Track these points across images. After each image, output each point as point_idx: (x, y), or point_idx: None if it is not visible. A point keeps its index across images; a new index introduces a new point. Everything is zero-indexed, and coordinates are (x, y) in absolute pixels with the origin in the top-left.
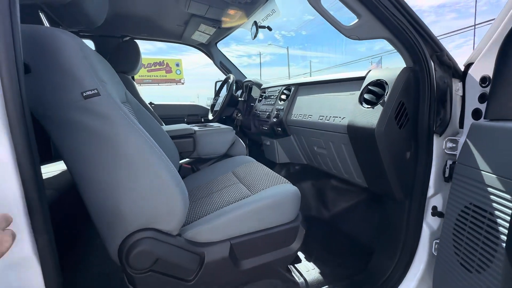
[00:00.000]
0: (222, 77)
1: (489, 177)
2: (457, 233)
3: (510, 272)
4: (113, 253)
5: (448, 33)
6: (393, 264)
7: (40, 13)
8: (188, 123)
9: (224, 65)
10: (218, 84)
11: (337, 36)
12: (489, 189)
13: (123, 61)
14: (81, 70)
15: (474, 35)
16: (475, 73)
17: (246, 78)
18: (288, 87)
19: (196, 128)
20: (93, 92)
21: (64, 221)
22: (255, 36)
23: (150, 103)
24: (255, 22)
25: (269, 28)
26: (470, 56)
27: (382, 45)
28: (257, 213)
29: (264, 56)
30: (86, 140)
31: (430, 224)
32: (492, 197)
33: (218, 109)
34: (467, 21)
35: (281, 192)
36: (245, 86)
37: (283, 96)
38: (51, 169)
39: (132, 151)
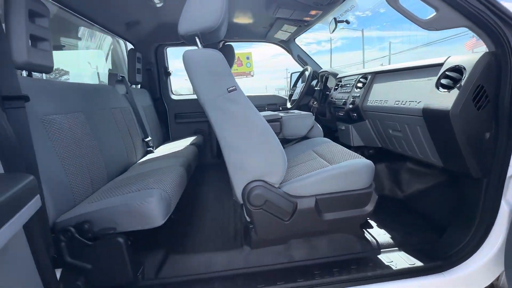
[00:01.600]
0: (289, 68)
1: None
2: None
3: None
4: (238, 194)
5: None
6: (466, 238)
7: (196, 38)
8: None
9: (301, 58)
10: (294, 76)
11: (422, 7)
12: None
13: None
14: (227, 74)
15: None
16: None
17: (322, 68)
18: (364, 75)
19: (282, 114)
20: (233, 88)
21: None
22: (333, 31)
23: None
24: (335, 19)
25: (347, 22)
26: None
27: None
28: (336, 178)
29: (335, 42)
30: (228, 117)
31: (509, 201)
32: None
33: (296, 98)
34: None
35: (356, 163)
36: (321, 76)
37: (359, 84)
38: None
39: (254, 125)
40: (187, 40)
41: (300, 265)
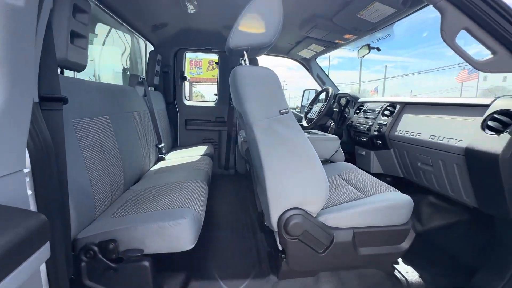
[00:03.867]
0: (286, 79)
1: None
2: None
3: None
4: (274, 220)
5: None
6: (501, 283)
7: (244, 52)
8: None
9: (320, 77)
10: (306, 93)
11: (416, 38)
12: None
13: None
14: (280, 95)
15: None
16: None
17: (339, 90)
18: (392, 104)
19: (307, 135)
20: (285, 110)
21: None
22: (364, 56)
23: None
24: (368, 45)
25: (378, 49)
26: None
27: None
28: (375, 212)
29: (332, 59)
30: (276, 140)
31: None
32: None
33: (314, 117)
34: None
35: (395, 198)
36: (339, 97)
37: (387, 112)
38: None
39: (302, 150)
40: (234, 53)
41: None
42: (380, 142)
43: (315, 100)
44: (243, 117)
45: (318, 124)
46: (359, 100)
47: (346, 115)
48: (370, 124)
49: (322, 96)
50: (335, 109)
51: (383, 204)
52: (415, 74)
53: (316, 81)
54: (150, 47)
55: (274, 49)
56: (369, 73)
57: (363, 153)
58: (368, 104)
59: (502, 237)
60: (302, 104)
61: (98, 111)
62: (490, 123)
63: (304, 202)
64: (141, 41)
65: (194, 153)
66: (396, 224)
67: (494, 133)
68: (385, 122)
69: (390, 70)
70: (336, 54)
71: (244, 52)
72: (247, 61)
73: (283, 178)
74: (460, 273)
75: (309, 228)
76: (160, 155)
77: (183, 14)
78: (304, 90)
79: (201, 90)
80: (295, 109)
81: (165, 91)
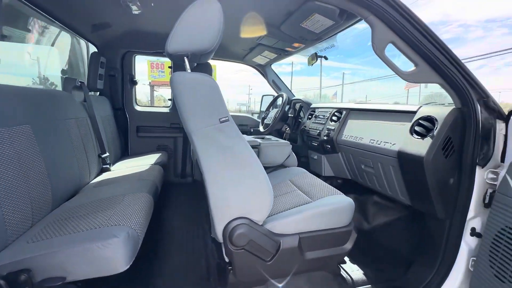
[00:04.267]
0: (251, 84)
1: None
2: (493, 250)
3: None
4: (219, 232)
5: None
6: (431, 274)
7: (185, 58)
8: None
9: (276, 83)
10: (265, 98)
11: (369, 50)
12: None
13: None
14: (220, 103)
15: None
16: None
17: (294, 96)
18: (339, 110)
19: (259, 141)
20: (225, 118)
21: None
22: (312, 64)
23: None
24: (316, 53)
25: (326, 58)
26: None
27: None
28: (320, 216)
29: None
30: (217, 149)
31: (468, 242)
32: None
33: (270, 122)
34: None
35: (338, 201)
36: (294, 103)
37: (334, 118)
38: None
39: (243, 159)
40: (174, 58)
41: None
42: (329, 146)
43: (271, 106)
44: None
45: (274, 130)
46: (311, 106)
47: (300, 120)
48: (320, 129)
49: (280, 101)
50: (289, 115)
51: (326, 208)
52: (369, 81)
53: (272, 87)
54: (94, 49)
55: (229, 55)
56: (329, 79)
57: (315, 157)
58: (319, 109)
59: (431, 232)
60: (261, 110)
61: (15, 119)
62: (416, 128)
63: (249, 211)
64: (83, 42)
65: (144, 162)
66: (339, 226)
67: (419, 137)
68: (333, 127)
69: (348, 76)
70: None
71: (185, 57)
72: (188, 67)
73: (225, 188)
74: (399, 267)
75: (255, 237)
76: (104, 166)
77: (128, 15)
78: (263, 96)
79: (164, 94)
80: (258, 114)
81: (112, 96)
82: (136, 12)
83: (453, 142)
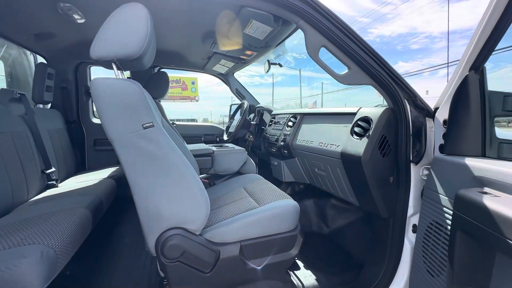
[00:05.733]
0: (234, 97)
1: (443, 199)
2: (425, 245)
3: (450, 275)
4: (151, 245)
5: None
6: (380, 273)
7: (113, 64)
8: (205, 142)
9: (239, 92)
10: (233, 107)
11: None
12: (444, 208)
13: (155, 88)
14: (143, 108)
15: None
16: (440, 116)
17: (259, 103)
18: (294, 115)
19: (214, 148)
20: (149, 124)
21: (102, 221)
22: (267, 71)
23: (172, 123)
24: (268, 61)
25: (280, 65)
26: (437, 101)
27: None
28: (262, 221)
29: (276, 77)
30: (142, 157)
31: (410, 239)
32: (445, 214)
33: (233, 131)
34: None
35: (283, 205)
36: (257, 111)
37: (290, 123)
38: (91, 178)
39: (173, 167)
40: (104, 65)
41: None
42: (286, 151)
43: (234, 114)
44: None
45: (237, 137)
46: (272, 113)
47: (263, 127)
48: (278, 135)
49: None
50: (252, 122)
51: (269, 213)
52: (348, 90)
53: (236, 95)
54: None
55: (189, 65)
56: (310, 89)
57: (276, 163)
58: (278, 116)
59: (379, 232)
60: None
61: None
62: (355, 129)
63: (183, 221)
64: (30, 53)
65: (96, 177)
66: (283, 231)
67: (358, 137)
68: (288, 133)
69: (327, 86)
70: (280, 72)
71: (112, 64)
72: (116, 73)
73: (155, 198)
74: (352, 269)
75: (190, 248)
76: (49, 182)
77: (72, 24)
78: (231, 105)
79: None
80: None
81: (65, 109)
82: (81, 21)
83: (389, 141)
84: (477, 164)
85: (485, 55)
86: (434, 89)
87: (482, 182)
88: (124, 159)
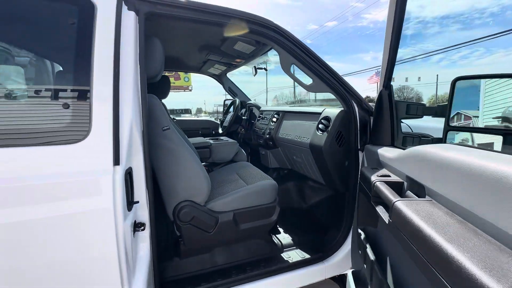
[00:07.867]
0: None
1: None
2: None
3: (356, 221)
4: (170, 212)
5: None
6: (337, 235)
7: None
8: (202, 135)
9: (232, 90)
10: (227, 102)
11: (344, 45)
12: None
13: (159, 91)
14: (162, 116)
15: None
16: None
17: (250, 100)
18: (278, 112)
19: (211, 142)
20: (167, 127)
21: None
22: (255, 75)
23: (173, 118)
24: (254, 67)
25: (265, 69)
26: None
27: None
28: (249, 196)
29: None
30: (163, 151)
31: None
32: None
33: (227, 125)
34: (472, 32)
35: (264, 184)
36: (248, 107)
37: (274, 119)
38: None
39: (184, 156)
40: None
41: (220, 268)
42: (271, 142)
43: (228, 110)
44: None
45: (231, 131)
46: (261, 109)
47: (253, 122)
48: (264, 129)
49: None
50: (243, 117)
51: (254, 189)
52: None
53: (229, 93)
54: None
55: (187, 67)
56: (303, 77)
57: (263, 152)
58: (265, 112)
59: (339, 204)
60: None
61: None
62: (320, 125)
63: (191, 195)
64: None
65: None
66: (265, 203)
67: (321, 132)
68: (273, 127)
69: None
70: (273, 60)
71: None
72: None
73: (172, 179)
74: (320, 232)
75: (197, 214)
76: None
77: None
78: (224, 101)
79: None
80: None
81: None
82: None
83: (344, 134)
84: (379, 151)
85: (388, 77)
86: (426, 75)
87: (379, 162)
88: (152, 155)
